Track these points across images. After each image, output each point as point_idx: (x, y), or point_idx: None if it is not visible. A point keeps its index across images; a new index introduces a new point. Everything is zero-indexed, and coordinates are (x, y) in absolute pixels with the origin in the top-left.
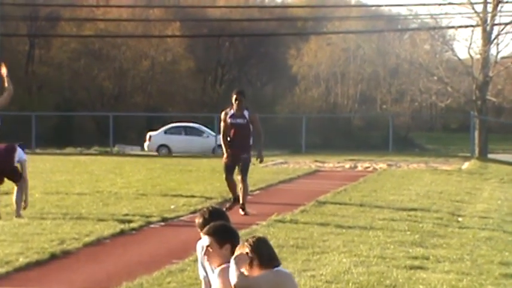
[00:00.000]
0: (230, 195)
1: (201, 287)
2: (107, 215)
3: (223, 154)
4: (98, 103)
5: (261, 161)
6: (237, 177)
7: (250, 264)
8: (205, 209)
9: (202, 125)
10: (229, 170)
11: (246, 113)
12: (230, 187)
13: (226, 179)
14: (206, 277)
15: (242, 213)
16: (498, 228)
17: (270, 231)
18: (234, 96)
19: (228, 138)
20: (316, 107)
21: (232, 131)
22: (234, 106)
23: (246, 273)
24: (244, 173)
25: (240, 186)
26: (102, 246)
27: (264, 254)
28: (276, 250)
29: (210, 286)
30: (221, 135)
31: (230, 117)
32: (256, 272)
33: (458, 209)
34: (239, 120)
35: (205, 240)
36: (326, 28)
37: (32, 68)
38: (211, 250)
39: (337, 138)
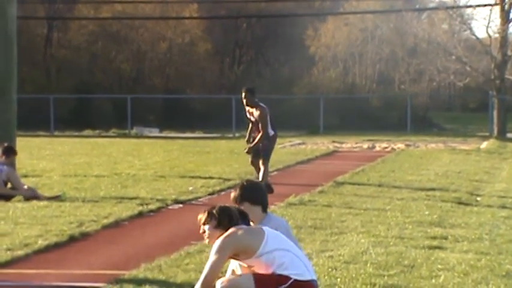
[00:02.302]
0: (248, 177)
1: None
2: (125, 197)
3: None
4: (116, 85)
5: (247, 151)
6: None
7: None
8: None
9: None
10: (252, 155)
11: (255, 111)
12: (254, 167)
13: (252, 164)
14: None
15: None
16: None
17: (288, 212)
18: (242, 95)
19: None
20: (334, 87)
21: (250, 124)
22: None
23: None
24: (265, 156)
25: (261, 168)
26: (121, 228)
27: (224, 220)
28: (294, 231)
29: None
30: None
31: (247, 112)
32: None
33: (477, 188)
34: (251, 118)
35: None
36: (343, 8)
37: (50, 51)
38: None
39: (355, 119)
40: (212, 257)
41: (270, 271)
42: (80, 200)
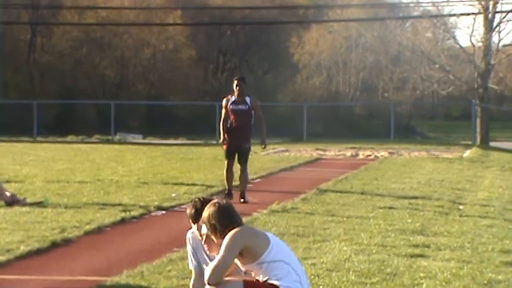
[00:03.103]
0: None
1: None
2: (107, 203)
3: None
4: (100, 91)
5: (264, 147)
6: (237, 166)
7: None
8: (196, 200)
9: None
10: (230, 155)
11: (248, 99)
12: (227, 178)
13: (228, 165)
14: (197, 267)
15: (242, 201)
16: (499, 216)
17: (270, 220)
18: (235, 83)
19: (228, 125)
20: (318, 95)
21: (232, 117)
22: (235, 92)
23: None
24: (243, 161)
25: (239, 174)
26: (103, 234)
27: (224, 222)
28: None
29: (201, 275)
30: (221, 122)
31: (232, 103)
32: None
33: (460, 197)
34: (240, 107)
35: (203, 229)
36: (327, 16)
37: (33, 56)
38: (211, 238)
39: (339, 127)
40: (222, 252)
41: (264, 279)
42: (63, 206)
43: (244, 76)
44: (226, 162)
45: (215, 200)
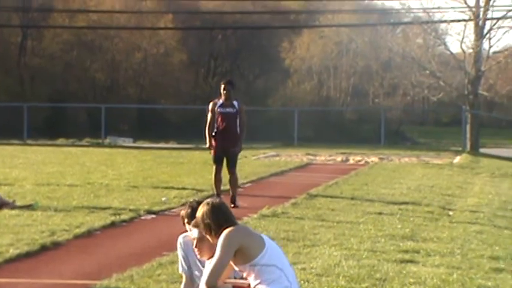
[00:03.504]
0: (222, 188)
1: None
2: (97, 206)
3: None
4: (90, 95)
5: (234, 151)
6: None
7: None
8: (192, 201)
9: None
10: (218, 160)
11: (235, 102)
12: (216, 182)
13: (216, 170)
14: (188, 271)
15: (232, 206)
16: (489, 223)
17: (261, 224)
18: (222, 86)
19: (215, 130)
20: (309, 100)
21: (220, 120)
22: (223, 96)
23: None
24: (232, 165)
25: (228, 178)
26: (93, 238)
27: (218, 220)
28: None
29: (191, 280)
30: (206, 127)
31: (219, 106)
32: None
33: (449, 203)
34: (228, 110)
35: (194, 233)
36: (319, 21)
37: (24, 59)
38: (202, 242)
39: (329, 132)
40: (218, 252)
41: (255, 282)
42: (52, 209)
43: (232, 80)
44: (214, 167)
45: (208, 200)
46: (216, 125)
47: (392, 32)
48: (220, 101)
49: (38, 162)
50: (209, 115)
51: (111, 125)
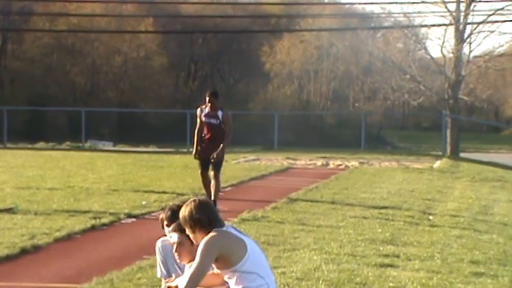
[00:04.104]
0: (202, 191)
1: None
2: (78, 210)
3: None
4: (70, 98)
5: (212, 158)
6: (211, 173)
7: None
8: (172, 204)
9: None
10: (203, 166)
11: (219, 113)
12: (204, 185)
13: (201, 175)
14: (167, 276)
15: None
16: (469, 227)
17: (241, 228)
18: (207, 98)
19: (202, 136)
20: (289, 104)
21: (205, 129)
22: (207, 107)
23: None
24: (217, 169)
25: (212, 182)
26: (73, 241)
27: (202, 220)
28: None
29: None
30: (195, 131)
31: (205, 115)
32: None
33: (430, 207)
34: (212, 121)
35: (174, 237)
36: (299, 25)
37: (4, 63)
38: (182, 247)
39: (310, 136)
40: (197, 258)
41: (237, 287)
42: (32, 213)
43: (217, 91)
44: (200, 171)
45: (192, 198)
46: (203, 132)
47: (372, 37)
48: (206, 110)
49: (18, 166)
50: (198, 121)
51: (92, 129)
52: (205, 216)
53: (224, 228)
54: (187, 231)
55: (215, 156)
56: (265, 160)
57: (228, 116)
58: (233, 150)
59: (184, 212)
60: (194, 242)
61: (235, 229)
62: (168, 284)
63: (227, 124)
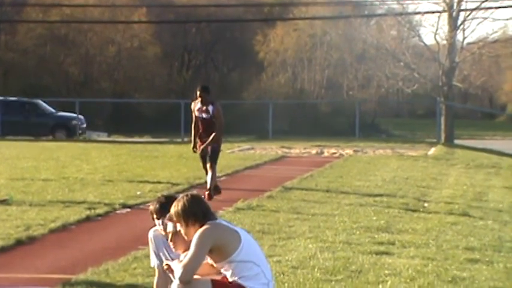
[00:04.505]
0: (197, 181)
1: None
2: (72, 201)
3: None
4: (64, 89)
5: (202, 148)
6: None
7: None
8: (160, 196)
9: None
10: (202, 158)
11: (210, 108)
12: (207, 173)
13: (202, 164)
14: (160, 265)
15: (207, 198)
16: (463, 214)
17: (236, 217)
18: (198, 93)
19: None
20: (283, 93)
21: (199, 123)
22: (199, 101)
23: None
24: (213, 160)
25: (209, 173)
26: (68, 232)
27: (196, 213)
28: None
29: (164, 273)
30: (192, 125)
31: (197, 110)
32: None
33: (424, 194)
34: (204, 115)
35: (169, 227)
36: (292, 14)
37: None
38: (177, 236)
39: (304, 124)
40: (192, 250)
41: (233, 278)
42: (27, 204)
43: (207, 85)
44: (201, 165)
45: (183, 194)
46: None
47: (366, 24)
48: (198, 105)
49: (12, 157)
50: (193, 115)
51: (86, 119)
52: (198, 211)
53: (217, 221)
54: (180, 226)
55: (204, 149)
56: (260, 149)
57: (218, 111)
58: (227, 139)
59: (177, 207)
60: (186, 237)
61: (227, 222)
62: (166, 263)
63: (217, 119)
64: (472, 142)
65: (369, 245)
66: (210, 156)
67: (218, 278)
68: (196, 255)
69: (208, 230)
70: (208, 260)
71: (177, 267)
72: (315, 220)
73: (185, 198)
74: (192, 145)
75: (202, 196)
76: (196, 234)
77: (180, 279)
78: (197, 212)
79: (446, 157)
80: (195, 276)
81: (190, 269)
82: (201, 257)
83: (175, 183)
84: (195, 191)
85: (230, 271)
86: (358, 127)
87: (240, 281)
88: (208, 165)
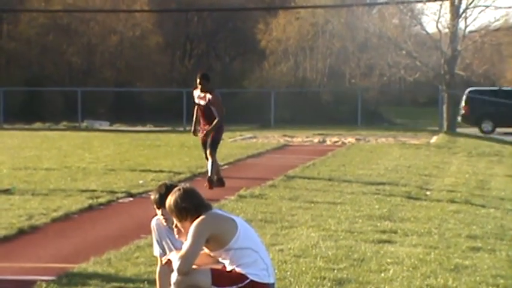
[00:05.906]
0: (199, 169)
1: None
2: (75, 190)
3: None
4: (67, 78)
5: (204, 136)
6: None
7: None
8: (161, 185)
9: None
10: (203, 145)
11: (208, 95)
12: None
13: (205, 158)
14: (162, 254)
15: (208, 187)
16: (466, 202)
17: (238, 206)
18: (197, 80)
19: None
20: (285, 81)
21: (198, 110)
22: (198, 88)
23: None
24: (212, 147)
25: (209, 159)
26: (70, 221)
27: (188, 208)
28: None
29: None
30: (195, 110)
31: (197, 96)
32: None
33: (427, 183)
34: (202, 102)
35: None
36: (294, 2)
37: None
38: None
39: (306, 113)
40: (189, 241)
41: (232, 266)
42: (30, 193)
43: (207, 73)
44: (203, 150)
45: (178, 187)
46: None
47: (368, 13)
48: (198, 92)
49: (15, 147)
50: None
51: (88, 109)
52: (191, 205)
53: (212, 211)
54: (175, 220)
55: (204, 136)
56: (262, 138)
57: (215, 98)
58: (230, 128)
59: (169, 202)
60: (182, 230)
61: (222, 211)
62: (165, 258)
63: (215, 106)
64: (474, 130)
65: (371, 233)
66: (210, 144)
67: (218, 267)
68: (193, 246)
69: (204, 220)
70: (206, 250)
71: (175, 259)
72: (317, 209)
73: (177, 193)
74: (192, 129)
75: (205, 186)
76: (193, 225)
77: (178, 270)
78: (189, 206)
79: (449, 145)
80: (194, 266)
81: (187, 260)
82: (198, 248)
83: (177, 172)
84: (196, 180)
85: (228, 259)
86: (360, 116)
87: (239, 269)
88: (208, 152)
